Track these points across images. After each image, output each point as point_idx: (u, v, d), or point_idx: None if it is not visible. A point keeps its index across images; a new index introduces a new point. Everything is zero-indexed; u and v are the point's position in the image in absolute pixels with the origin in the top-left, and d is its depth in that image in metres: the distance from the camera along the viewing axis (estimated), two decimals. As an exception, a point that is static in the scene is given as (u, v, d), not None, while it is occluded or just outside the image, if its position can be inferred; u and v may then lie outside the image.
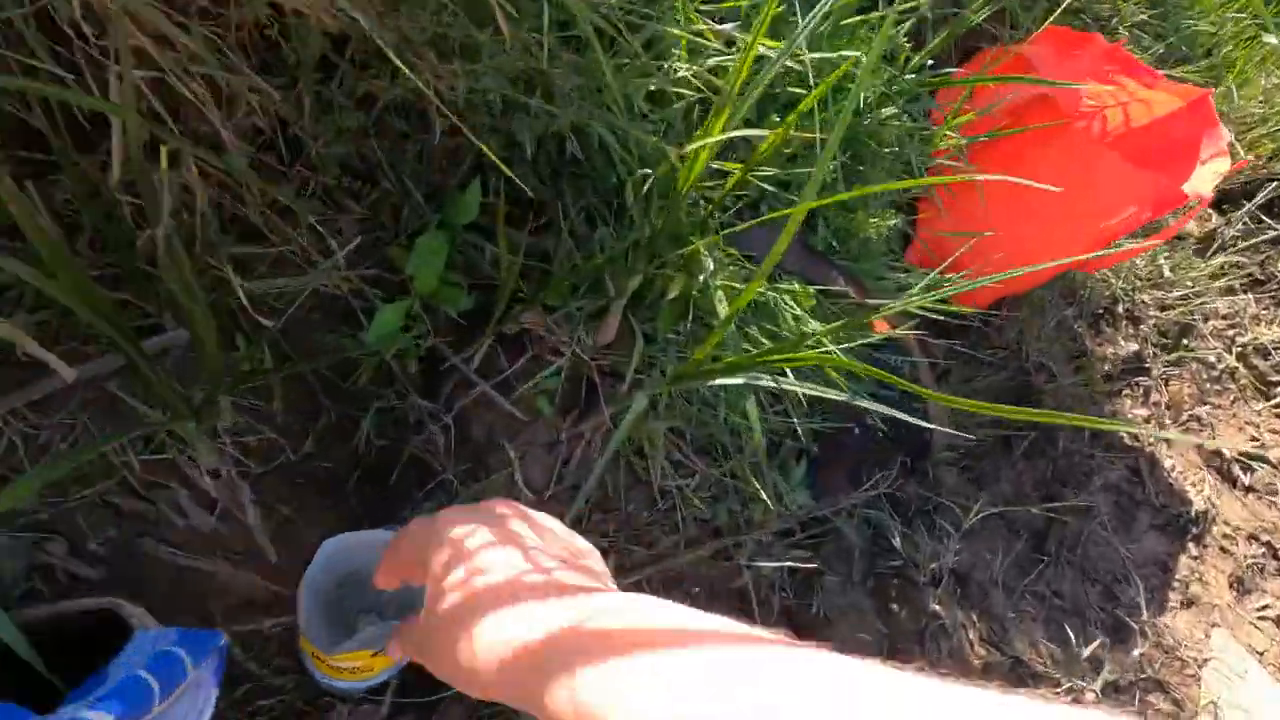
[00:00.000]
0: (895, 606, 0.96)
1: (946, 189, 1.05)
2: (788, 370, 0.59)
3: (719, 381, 0.55)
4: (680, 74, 0.64)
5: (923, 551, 0.96)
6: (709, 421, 0.77)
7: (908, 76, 0.87)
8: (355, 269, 0.66)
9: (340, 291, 0.65)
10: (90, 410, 0.56)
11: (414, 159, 0.66)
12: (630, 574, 0.77)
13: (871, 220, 0.85)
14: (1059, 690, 0.99)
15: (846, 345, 0.70)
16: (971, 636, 0.96)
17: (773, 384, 0.58)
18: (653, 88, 0.63)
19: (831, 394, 0.59)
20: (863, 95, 0.81)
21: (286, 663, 0.67)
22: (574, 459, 0.75)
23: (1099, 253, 1.06)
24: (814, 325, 0.71)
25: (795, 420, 0.82)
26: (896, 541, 0.96)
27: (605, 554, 0.82)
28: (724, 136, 0.54)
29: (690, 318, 0.66)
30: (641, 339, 0.64)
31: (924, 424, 0.81)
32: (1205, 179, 1.03)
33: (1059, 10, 1.09)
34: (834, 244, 0.86)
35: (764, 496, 0.76)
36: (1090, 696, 1.00)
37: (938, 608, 0.95)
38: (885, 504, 0.99)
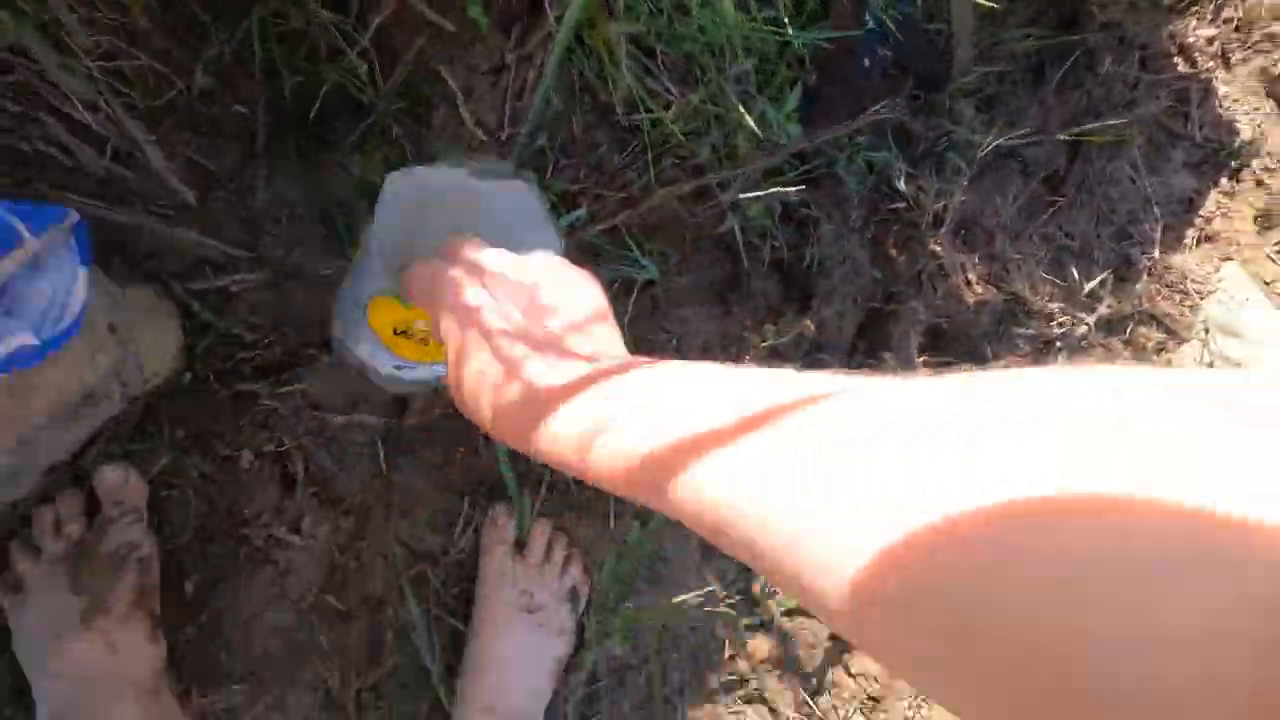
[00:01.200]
0: (894, 252, 0.92)
1: None
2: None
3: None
4: None
5: (928, 192, 0.89)
6: (684, 35, 0.65)
7: None
8: None
9: None
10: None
11: None
12: (604, 221, 0.71)
13: None
14: (1052, 324, 0.99)
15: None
16: (970, 276, 0.93)
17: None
18: None
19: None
20: None
21: (258, 320, 0.65)
22: (526, 89, 0.65)
23: None
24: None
25: (791, 33, 0.69)
26: (900, 183, 0.88)
27: (576, 200, 0.76)
28: None
29: None
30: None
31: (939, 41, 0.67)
32: None
33: None
34: None
35: (748, 122, 0.66)
36: (1083, 330, 1.00)
37: (937, 248, 0.90)
38: (890, 141, 0.89)
